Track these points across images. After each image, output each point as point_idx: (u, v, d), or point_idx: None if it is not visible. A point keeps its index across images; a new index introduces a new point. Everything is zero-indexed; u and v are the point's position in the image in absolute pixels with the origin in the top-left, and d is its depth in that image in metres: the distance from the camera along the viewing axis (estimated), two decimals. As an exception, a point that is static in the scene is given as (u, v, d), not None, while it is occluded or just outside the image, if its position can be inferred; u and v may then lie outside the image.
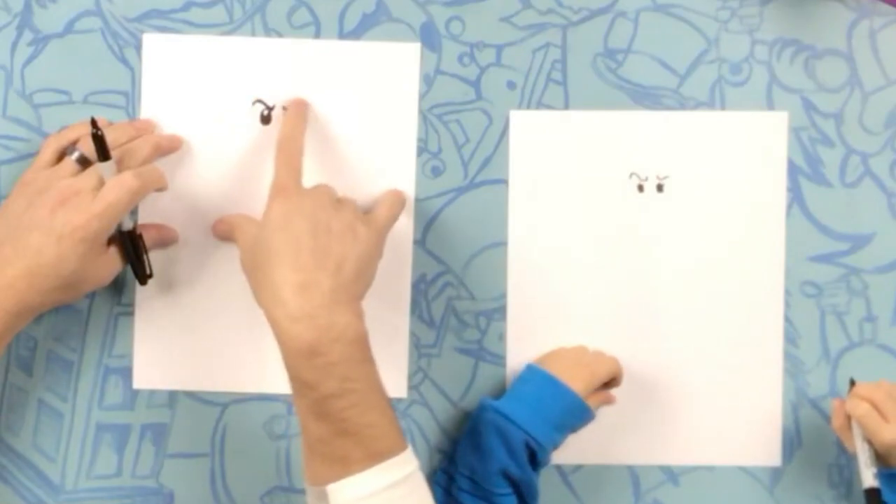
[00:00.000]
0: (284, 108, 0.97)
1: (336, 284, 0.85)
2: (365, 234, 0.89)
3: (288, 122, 0.95)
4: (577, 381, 0.94)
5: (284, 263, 0.85)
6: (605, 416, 0.96)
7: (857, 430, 0.91)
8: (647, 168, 0.99)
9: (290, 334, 0.83)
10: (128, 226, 0.92)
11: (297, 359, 0.83)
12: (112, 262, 0.93)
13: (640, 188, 0.99)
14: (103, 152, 0.90)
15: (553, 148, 0.99)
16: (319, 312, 0.83)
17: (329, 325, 0.83)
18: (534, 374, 0.96)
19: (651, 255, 0.98)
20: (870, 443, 0.90)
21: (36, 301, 0.89)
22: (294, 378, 0.84)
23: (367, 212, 0.93)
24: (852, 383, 0.93)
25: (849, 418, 0.91)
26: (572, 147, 0.99)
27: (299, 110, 0.96)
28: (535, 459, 0.93)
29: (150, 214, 0.97)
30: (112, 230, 0.91)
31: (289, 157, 0.92)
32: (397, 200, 0.96)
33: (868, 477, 0.90)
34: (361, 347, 0.85)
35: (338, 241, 0.87)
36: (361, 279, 0.88)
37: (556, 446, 0.94)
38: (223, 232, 0.96)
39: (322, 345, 0.83)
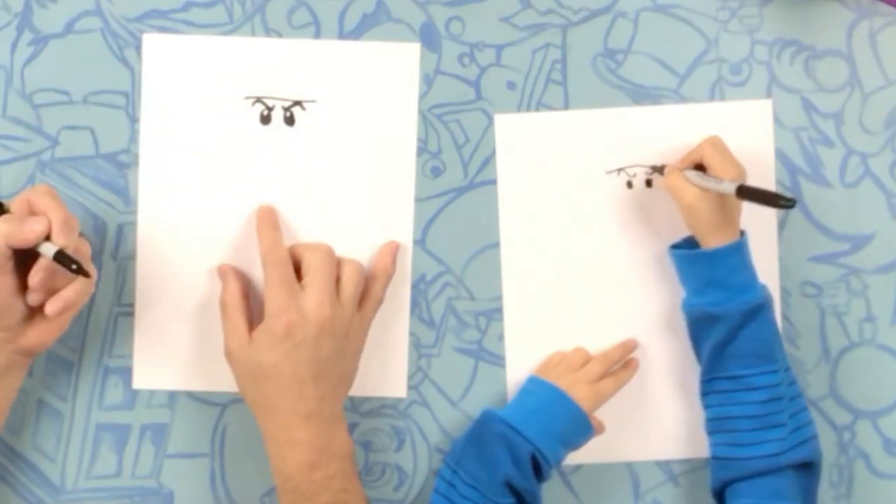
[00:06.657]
0: (284, 109, 0.97)
1: (334, 405, 0.91)
2: (355, 336, 0.93)
3: (265, 233, 0.94)
4: (581, 393, 0.95)
5: (289, 394, 0.89)
6: (604, 414, 0.96)
7: (699, 176, 0.93)
8: (636, 163, 0.98)
9: (292, 453, 0.88)
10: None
11: (296, 472, 0.88)
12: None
13: (629, 184, 0.99)
14: None
15: (539, 149, 0.99)
16: (319, 434, 0.89)
17: (327, 443, 0.89)
18: (539, 387, 0.96)
19: (643, 249, 0.98)
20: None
21: None
22: (292, 490, 0.89)
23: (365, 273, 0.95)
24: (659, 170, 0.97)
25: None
26: (559, 147, 0.99)
27: (269, 217, 0.95)
28: (539, 472, 0.93)
29: (150, 216, 0.97)
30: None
31: (278, 267, 0.91)
32: (390, 266, 0.96)
33: (728, 186, 0.90)
34: (352, 462, 0.91)
35: (335, 362, 0.91)
36: (349, 382, 0.94)
37: (559, 462, 0.94)
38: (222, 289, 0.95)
39: (322, 460, 0.89)
